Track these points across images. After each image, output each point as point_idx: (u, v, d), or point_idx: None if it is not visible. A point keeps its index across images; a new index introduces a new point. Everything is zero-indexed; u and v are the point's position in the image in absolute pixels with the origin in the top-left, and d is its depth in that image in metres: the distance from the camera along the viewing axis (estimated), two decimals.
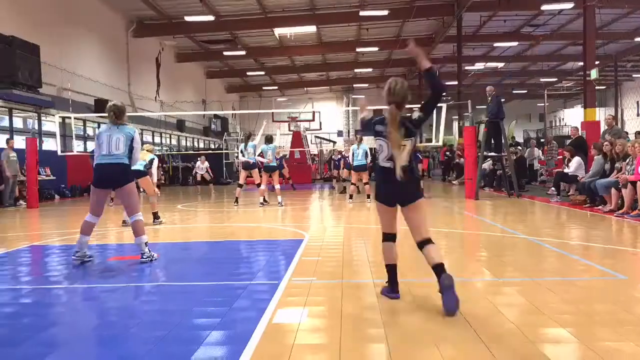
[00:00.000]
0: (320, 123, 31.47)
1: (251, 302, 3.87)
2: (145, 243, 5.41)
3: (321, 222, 9.15)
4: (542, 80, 38.69)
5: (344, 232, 7.53)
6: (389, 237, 3.86)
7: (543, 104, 36.81)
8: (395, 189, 3.70)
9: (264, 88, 38.50)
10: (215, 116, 34.70)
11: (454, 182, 19.45)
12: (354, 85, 39.29)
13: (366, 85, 38.95)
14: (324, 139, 30.76)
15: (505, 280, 4.41)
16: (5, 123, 15.91)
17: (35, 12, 16.48)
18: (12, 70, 14.54)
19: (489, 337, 2.96)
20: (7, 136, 15.03)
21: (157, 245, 6.52)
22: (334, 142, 30.40)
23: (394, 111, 3.63)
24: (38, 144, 14.64)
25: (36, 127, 17.20)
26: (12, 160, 13.47)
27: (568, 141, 14.97)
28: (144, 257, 5.36)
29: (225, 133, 32.92)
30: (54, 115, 15.30)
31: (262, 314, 3.47)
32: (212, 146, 34.22)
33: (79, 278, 4.83)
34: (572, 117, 40.64)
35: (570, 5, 20.96)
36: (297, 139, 25.31)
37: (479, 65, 32.75)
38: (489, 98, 12.42)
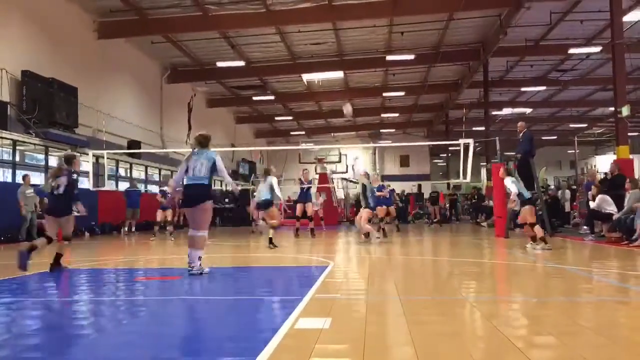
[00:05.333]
0: (347, 166, 31.58)
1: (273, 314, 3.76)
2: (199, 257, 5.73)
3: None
4: (572, 126, 38.27)
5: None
6: None
7: (574, 151, 36.18)
8: None
9: (291, 133, 39.06)
10: (243, 160, 35.21)
11: (482, 223, 19.03)
12: (381, 130, 39.56)
13: (393, 130, 39.19)
14: (351, 181, 30.68)
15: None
16: (42, 161, 16.44)
17: (75, 57, 17.27)
18: (51, 111, 15.13)
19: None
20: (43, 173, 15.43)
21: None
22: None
23: None
24: None
25: None
26: (29, 196, 13.20)
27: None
28: (195, 270, 5.64)
29: (253, 175, 33.35)
30: (88, 154, 15.72)
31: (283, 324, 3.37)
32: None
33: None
34: (604, 164, 39.73)
35: (597, 49, 20.96)
36: (324, 182, 25.32)
37: (507, 111, 32.64)
38: (520, 134, 12.09)
